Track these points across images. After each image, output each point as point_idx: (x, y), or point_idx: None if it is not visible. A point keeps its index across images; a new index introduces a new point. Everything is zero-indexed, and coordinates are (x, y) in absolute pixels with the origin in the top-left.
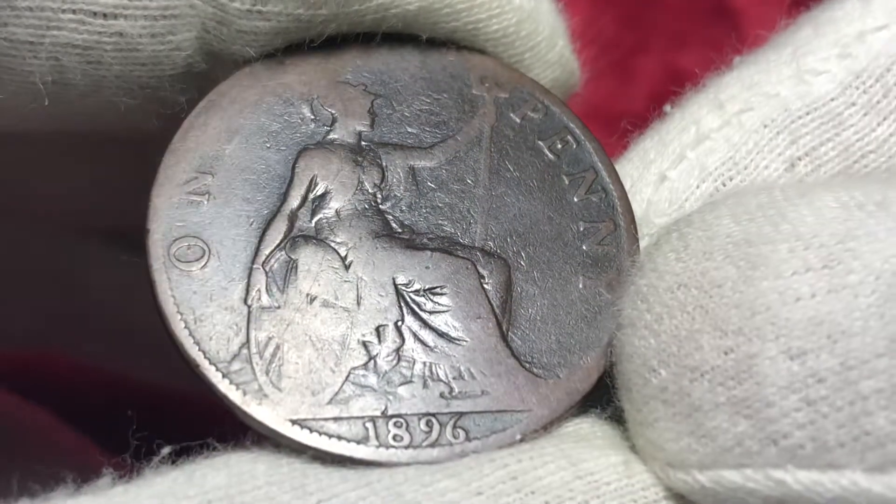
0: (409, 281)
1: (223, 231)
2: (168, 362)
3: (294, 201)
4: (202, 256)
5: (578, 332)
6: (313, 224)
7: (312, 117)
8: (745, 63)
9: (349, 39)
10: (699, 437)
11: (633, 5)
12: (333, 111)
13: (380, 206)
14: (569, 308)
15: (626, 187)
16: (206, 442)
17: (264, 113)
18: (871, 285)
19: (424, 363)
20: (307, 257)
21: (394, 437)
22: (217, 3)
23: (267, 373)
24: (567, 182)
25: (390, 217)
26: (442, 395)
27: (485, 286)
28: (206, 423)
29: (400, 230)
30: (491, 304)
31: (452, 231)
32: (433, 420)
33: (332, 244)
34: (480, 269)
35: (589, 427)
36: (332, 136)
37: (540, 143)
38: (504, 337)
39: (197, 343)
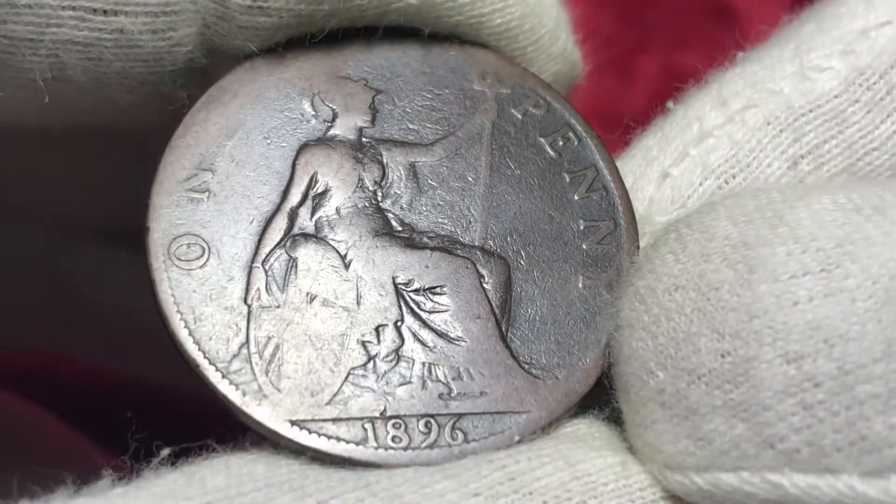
0: (409, 280)
1: (223, 229)
2: (168, 362)
3: (294, 198)
4: (202, 255)
5: (577, 333)
6: (313, 222)
7: (313, 113)
8: (748, 59)
9: (350, 34)
10: (696, 439)
11: (632, 4)
12: (334, 107)
13: (380, 203)
14: (568, 308)
15: (628, 184)
16: (206, 443)
17: (265, 109)
18: (869, 290)
19: (423, 363)
20: (307, 256)
21: (392, 439)
22: None
23: (266, 373)
24: (568, 180)
25: (390, 215)
26: (441, 396)
27: (484, 286)
28: (205, 422)
29: (400, 228)
30: (490, 305)
31: (452, 229)
32: (432, 421)
33: (332, 242)
34: (480, 269)
35: (586, 428)
36: (332, 132)
37: (541, 139)
38: (503, 337)
39: (197, 343)
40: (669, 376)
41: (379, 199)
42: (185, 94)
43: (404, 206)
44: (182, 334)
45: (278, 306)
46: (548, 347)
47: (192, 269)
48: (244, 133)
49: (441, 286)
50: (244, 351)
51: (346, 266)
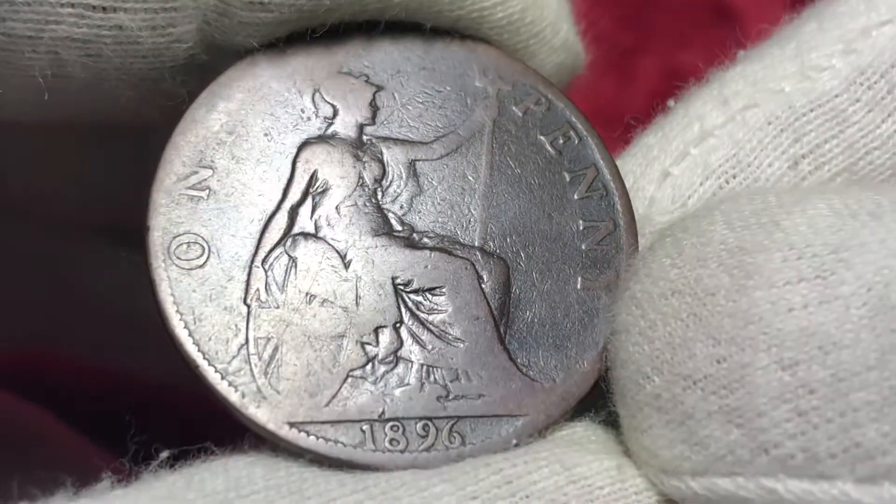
0: (408, 281)
1: (223, 228)
2: (168, 361)
3: (294, 197)
4: (202, 254)
5: (575, 336)
6: (313, 221)
7: (314, 110)
8: (749, 58)
9: (352, 29)
10: (692, 444)
11: (632, 4)
12: (335, 103)
13: (380, 202)
14: (566, 310)
15: (629, 184)
16: (204, 446)
17: (266, 105)
18: (863, 297)
19: (422, 365)
20: (307, 256)
21: (390, 442)
22: None
23: (265, 374)
24: (568, 179)
25: (390, 214)
26: (439, 398)
27: (483, 287)
28: (205, 422)
29: (399, 228)
30: (489, 306)
31: (452, 229)
32: (430, 424)
33: (332, 242)
34: (479, 270)
35: (583, 431)
36: (333, 129)
37: (542, 137)
38: (502, 340)
39: (196, 343)
40: (665, 381)
41: (379, 197)
42: (185, 90)
43: (404, 204)
44: (182, 335)
45: (278, 307)
46: (546, 350)
47: (191, 269)
48: (245, 130)
49: (440, 287)
50: (243, 352)
51: (346, 266)
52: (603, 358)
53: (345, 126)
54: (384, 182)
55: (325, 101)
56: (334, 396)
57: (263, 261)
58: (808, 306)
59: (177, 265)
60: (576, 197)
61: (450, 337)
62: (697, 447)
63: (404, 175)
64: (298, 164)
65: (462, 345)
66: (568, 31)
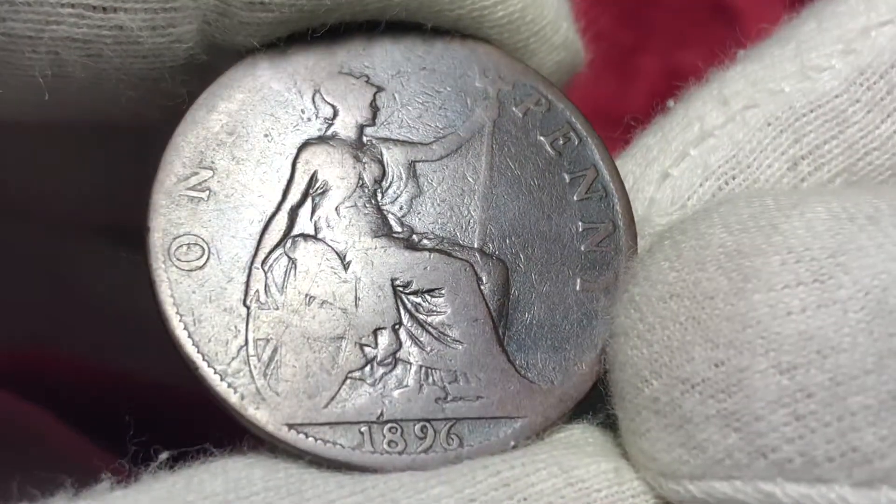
0: (407, 282)
1: (223, 229)
2: (168, 361)
3: (294, 198)
4: (202, 255)
5: (574, 338)
6: (313, 222)
7: (314, 110)
8: (749, 58)
9: (352, 29)
10: (690, 448)
11: (632, 4)
12: (335, 104)
13: (380, 203)
14: (565, 312)
15: (629, 185)
16: (204, 447)
17: (266, 106)
18: (861, 301)
19: (420, 367)
20: (306, 257)
21: (389, 443)
22: None
23: (265, 375)
24: (568, 180)
25: (390, 215)
26: (437, 400)
27: (482, 289)
28: (205, 421)
29: (399, 229)
30: (488, 308)
31: (451, 230)
32: (428, 426)
33: (332, 243)
34: (478, 271)
35: (580, 433)
36: (333, 130)
37: (542, 138)
38: (500, 341)
39: (196, 345)
40: (664, 385)
41: (379, 198)
42: (186, 90)
43: (404, 205)
44: (181, 336)
45: (277, 308)
46: (544, 352)
47: (191, 270)
48: (245, 130)
49: (439, 289)
50: (243, 353)
51: (345, 267)
52: (601, 360)
53: (345, 127)
54: (384, 183)
55: (326, 101)
56: (333, 398)
57: (263, 262)
58: (806, 310)
59: (177, 266)
60: (575, 198)
61: (448, 339)
62: (695, 451)
63: (404, 176)
64: (298, 165)
65: (461, 346)
66: (568, 29)
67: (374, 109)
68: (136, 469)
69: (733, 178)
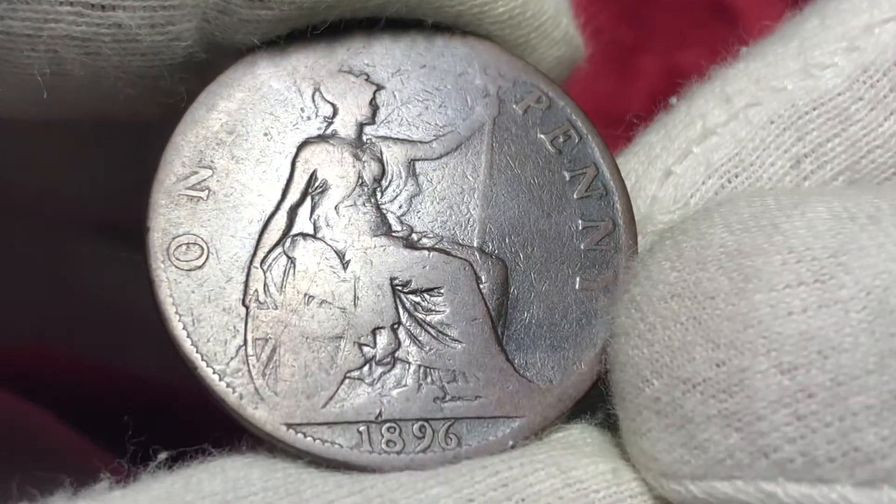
0: (407, 281)
1: (222, 229)
2: (167, 358)
3: (294, 197)
4: (201, 255)
5: (573, 337)
6: (312, 221)
7: (314, 109)
8: (752, 55)
9: (352, 25)
10: (691, 448)
11: (633, 3)
12: (335, 102)
13: (379, 201)
14: (564, 311)
15: (631, 183)
16: (203, 447)
17: (265, 105)
18: (862, 301)
19: (419, 366)
20: (305, 256)
21: (387, 443)
22: None
23: (263, 375)
24: (568, 178)
25: (389, 214)
26: (436, 400)
27: (481, 288)
28: (204, 419)
29: (398, 228)
30: (487, 307)
31: (451, 229)
32: (426, 426)
33: (331, 242)
34: (477, 270)
35: (579, 433)
36: (332, 128)
37: (542, 136)
38: (499, 341)
39: (195, 345)
40: (665, 385)
41: (378, 197)
42: (185, 88)
43: (403, 204)
44: (180, 336)
45: (276, 308)
46: (543, 351)
47: (190, 270)
48: (244, 129)
49: (438, 288)
50: (241, 353)
51: (344, 266)
52: (601, 359)
53: (344, 125)
54: (383, 182)
55: (325, 100)
56: (331, 398)
57: (262, 262)
58: (807, 310)
59: (176, 266)
60: (575, 196)
61: (447, 338)
62: (697, 451)
63: (404, 175)
64: (298, 164)
65: (459, 346)
66: (568, 24)
67: (374, 108)
68: (134, 469)
69: (736, 177)
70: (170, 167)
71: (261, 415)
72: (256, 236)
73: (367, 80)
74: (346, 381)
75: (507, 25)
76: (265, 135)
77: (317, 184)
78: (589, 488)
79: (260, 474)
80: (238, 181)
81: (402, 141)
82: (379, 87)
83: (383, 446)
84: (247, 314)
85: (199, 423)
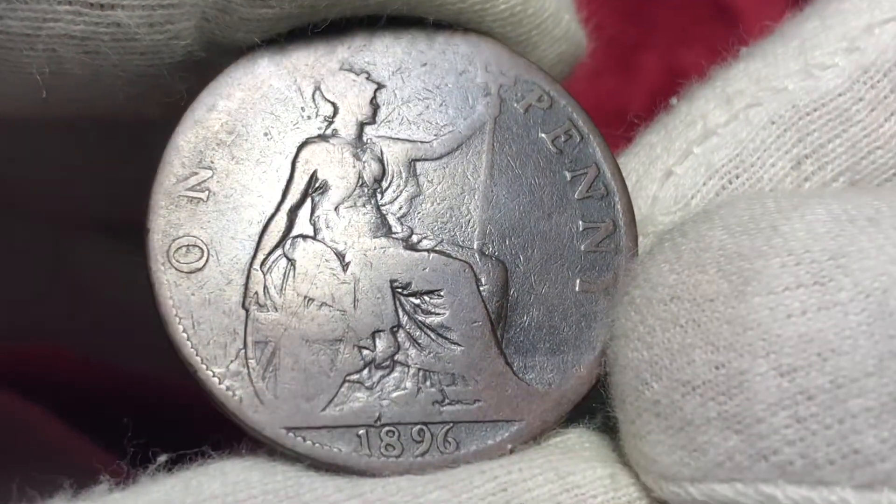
0: (406, 283)
1: (222, 230)
2: (167, 358)
3: (294, 198)
4: (201, 257)
5: (572, 339)
6: (312, 222)
7: (314, 108)
8: (752, 55)
9: (353, 23)
10: (691, 450)
11: (634, 2)
12: (335, 101)
13: (379, 202)
14: (564, 314)
15: (631, 183)
16: (202, 449)
17: (266, 104)
18: (862, 303)
19: (419, 369)
20: (305, 258)
21: (386, 447)
22: None
23: (263, 378)
24: (569, 178)
25: (389, 215)
26: (434, 403)
27: (481, 290)
28: (205, 419)
29: (398, 229)
30: (487, 310)
31: (451, 230)
32: (425, 429)
33: (331, 243)
34: (477, 273)
35: (576, 438)
36: (333, 128)
37: (543, 135)
38: (499, 344)
39: (194, 348)
40: (664, 387)
41: (378, 197)
42: (184, 86)
43: (403, 205)
44: (180, 338)
45: (276, 310)
46: (542, 354)
47: (190, 272)
48: (244, 129)
49: (438, 290)
50: (241, 356)
51: (344, 268)
52: (600, 362)
53: (345, 125)
54: (384, 182)
55: (326, 99)
56: (331, 401)
57: (262, 264)
58: (806, 312)
59: (176, 268)
60: (576, 196)
61: (447, 341)
62: (696, 453)
63: (404, 175)
64: (298, 165)
65: (459, 349)
66: (570, 20)
67: (375, 107)
68: (134, 470)
69: (737, 177)
70: (170, 168)
71: (260, 418)
72: (256, 238)
73: (367, 78)
74: (346, 384)
75: (508, 23)
76: (265, 135)
77: (317, 184)
78: (587, 493)
79: (259, 477)
80: (238, 182)
81: (403, 141)
82: (380, 86)
83: (382, 450)
84: (246, 317)
85: (199, 424)
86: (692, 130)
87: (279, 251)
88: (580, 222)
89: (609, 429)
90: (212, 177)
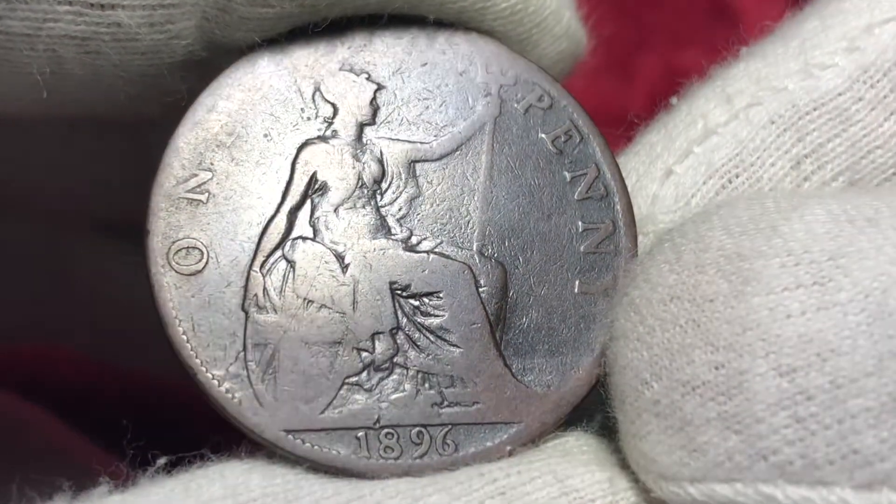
0: (406, 285)
1: (222, 232)
2: (167, 358)
3: (293, 199)
4: (200, 259)
5: (571, 341)
6: (312, 223)
7: (314, 109)
8: (752, 55)
9: (354, 22)
10: (691, 450)
11: (632, 3)
12: (335, 102)
13: (379, 203)
14: (563, 316)
15: (632, 182)
16: (202, 452)
17: (266, 105)
18: (861, 303)
19: (417, 371)
20: (305, 260)
21: (385, 449)
22: None
23: (262, 381)
24: (568, 178)
25: (389, 216)
26: (433, 405)
27: (480, 292)
28: (205, 419)
29: (398, 230)
30: (486, 312)
31: (450, 232)
32: (424, 432)
33: (330, 245)
34: (477, 274)
35: (575, 440)
36: (333, 128)
37: (543, 136)
38: (497, 346)
39: (194, 350)
40: (664, 387)
41: (378, 198)
42: (185, 86)
43: (403, 206)
44: (180, 341)
45: (275, 312)
46: (541, 356)
47: (190, 275)
48: (244, 131)
49: (437, 292)
50: (241, 358)
51: (344, 270)
52: (599, 363)
53: (345, 126)
54: (383, 183)
55: (326, 100)
56: (330, 403)
57: (262, 266)
58: (805, 313)
59: (176, 270)
60: (576, 197)
61: (446, 343)
62: (696, 453)
63: (404, 176)
64: (298, 166)
65: (458, 351)
66: (570, 18)
67: (375, 108)
68: (133, 472)
69: (737, 177)
70: (169, 170)
71: (260, 420)
72: (256, 240)
73: (367, 78)
74: (345, 386)
75: (509, 21)
76: (265, 136)
77: (317, 186)
78: (585, 497)
79: (259, 480)
80: (238, 184)
81: (403, 142)
82: (380, 87)
83: (381, 452)
84: (246, 319)
85: (199, 426)
86: (692, 130)
87: (279, 253)
88: (580, 223)
89: (607, 431)
90: (211, 178)
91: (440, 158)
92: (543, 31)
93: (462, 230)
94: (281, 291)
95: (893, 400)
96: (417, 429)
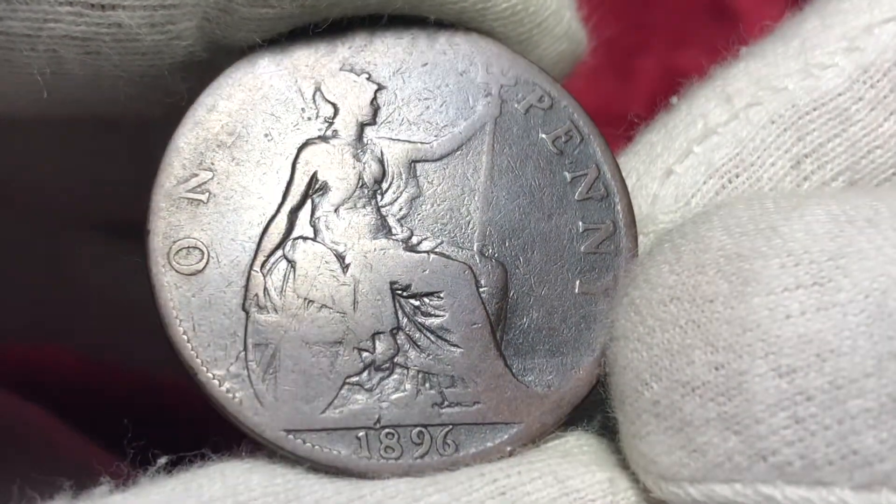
0: (406, 285)
1: (222, 232)
2: (168, 357)
3: (294, 199)
4: (201, 259)
5: (572, 341)
6: (312, 223)
7: (315, 109)
8: (752, 55)
9: (354, 22)
10: (690, 451)
11: (632, 4)
12: (336, 102)
13: (379, 203)
14: (563, 315)
15: (632, 182)
16: (202, 451)
17: (266, 105)
18: (861, 304)
19: (418, 371)
20: (305, 260)
21: (385, 449)
22: None
23: (263, 381)
24: (569, 179)
25: (389, 216)
26: (434, 405)
27: (481, 292)
28: (205, 419)
29: (398, 230)
30: (486, 312)
31: (451, 232)
32: (424, 431)
33: (331, 245)
34: (477, 274)
35: (575, 441)
36: (333, 128)
37: (543, 136)
38: (498, 346)
39: (195, 350)
40: (664, 388)
41: (378, 198)
42: (186, 87)
43: (403, 206)
44: (180, 341)
45: (276, 312)
46: (542, 356)
47: (190, 274)
48: (245, 130)
49: (438, 292)
50: (241, 358)
51: (344, 270)
52: (600, 363)
53: (345, 126)
54: (384, 184)
55: (326, 100)
56: (330, 403)
57: (262, 265)
58: (805, 313)
59: (176, 270)
60: (576, 197)
61: (446, 343)
62: (696, 454)
63: (404, 176)
64: (298, 166)
65: (458, 351)
66: (571, 18)
67: (375, 108)
68: (134, 472)
69: (737, 177)
70: (170, 170)
71: (260, 420)
72: (257, 240)
73: (368, 79)
74: (346, 386)
75: (510, 21)
76: (266, 136)
77: (317, 186)
78: (585, 497)
79: (259, 480)
80: (238, 183)
81: (403, 142)
82: (380, 87)
83: (382, 452)
84: (247, 319)
85: (199, 425)
86: (693, 129)
87: (279, 253)
88: (580, 223)
89: (608, 431)
90: (212, 178)
91: (441, 158)
92: (544, 31)
93: (462, 230)
94: (281, 291)
95: (893, 401)
96: (418, 429)
